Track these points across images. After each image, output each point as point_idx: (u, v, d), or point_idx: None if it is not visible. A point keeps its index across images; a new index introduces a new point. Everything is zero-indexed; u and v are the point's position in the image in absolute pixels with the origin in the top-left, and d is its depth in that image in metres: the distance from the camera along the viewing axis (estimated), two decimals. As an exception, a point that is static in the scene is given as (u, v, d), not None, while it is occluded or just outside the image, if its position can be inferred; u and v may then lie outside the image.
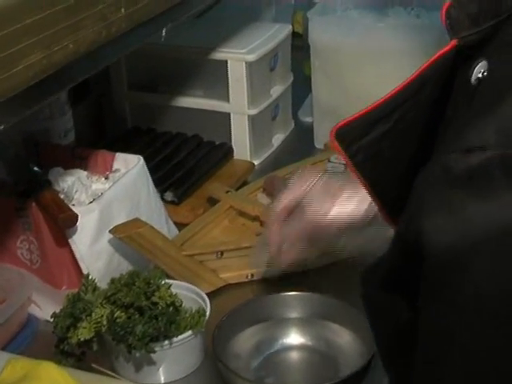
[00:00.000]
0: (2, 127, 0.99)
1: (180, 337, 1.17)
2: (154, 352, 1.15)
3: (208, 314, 1.20)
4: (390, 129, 0.72)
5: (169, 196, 1.57)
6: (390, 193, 0.76)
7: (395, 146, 0.73)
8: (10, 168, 1.43)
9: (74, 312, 1.17)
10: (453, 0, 0.70)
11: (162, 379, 1.20)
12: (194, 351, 1.21)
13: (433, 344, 0.64)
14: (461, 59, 0.69)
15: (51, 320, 1.23)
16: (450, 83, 0.71)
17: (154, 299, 1.16)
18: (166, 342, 1.16)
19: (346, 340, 1.22)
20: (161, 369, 1.19)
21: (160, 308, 1.16)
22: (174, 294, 1.19)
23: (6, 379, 1.07)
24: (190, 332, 1.18)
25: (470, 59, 0.68)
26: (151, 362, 1.17)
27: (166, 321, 1.16)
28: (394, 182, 0.75)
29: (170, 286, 1.20)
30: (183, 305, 1.21)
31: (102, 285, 1.22)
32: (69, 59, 1.02)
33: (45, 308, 1.34)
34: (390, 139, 0.73)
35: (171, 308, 1.18)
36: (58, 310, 1.22)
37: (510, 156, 0.61)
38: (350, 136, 0.72)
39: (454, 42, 0.69)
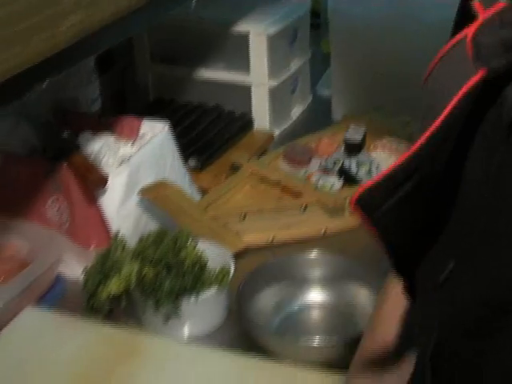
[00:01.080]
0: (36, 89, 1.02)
1: (205, 294, 1.22)
2: (181, 307, 1.20)
3: (232, 272, 1.25)
4: (413, 189, 0.67)
5: (192, 162, 1.61)
6: (402, 249, 0.72)
7: (416, 205, 0.69)
8: (41, 135, 1.48)
9: (103, 268, 1.22)
10: (479, 26, 0.64)
11: (187, 335, 1.25)
12: (218, 308, 1.26)
13: None
14: (487, 91, 0.62)
15: (80, 278, 1.29)
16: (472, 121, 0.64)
17: (181, 257, 1.21)
18: (192, 298, 1.21)
19: (364, 299, 1.26)
20: (186, 324, 1.24)
21: (187, 265, 1.21)
22: (200, 252, 1.24)
23: None
24: (214, 289, 1.22)
25: (499, 89, 0.62)
26: (177, 318, 1.22)
27: (193, 278, 1.21)
28: (407, 240, 0.71)
29: (196, 245, 1.25)
30: (208, 264, 1.25)
31: (130, 245, 1.27)
32: (104, 23, 1.06)
33: (74, 267, 1.39)
34: (411, 200, 0.68)
35: (197, 266, 1.22)
36: (87, 269, 1.27)
37: None
38: (373, 202, 0.68)
39: (482, 72, 0.61)
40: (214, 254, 1.29)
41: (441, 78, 0.69)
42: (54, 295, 1.37)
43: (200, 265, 1.23)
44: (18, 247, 1.41)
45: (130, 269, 1.20)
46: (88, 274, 1.24)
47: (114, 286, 1.20)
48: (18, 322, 1.26)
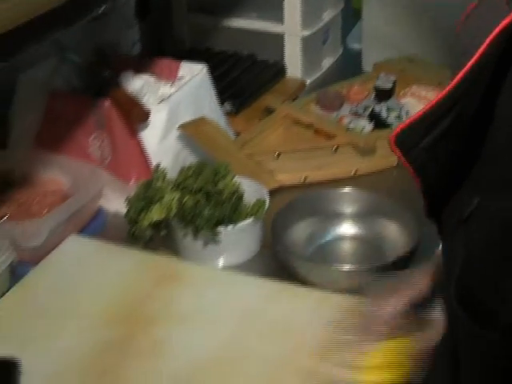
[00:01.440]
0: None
1: (242, 223, 1.27)
2: (219, 234, 1.26)
3: (267, 205, 1.31)
4: (449, 126, 0.70)
5: (227, 106, 1.67)
6: (438, 190, 0.75)
7: (451, 143, 0.72)
8: (83, 75, 1.54)
9: (146, 197, 1.28)
10: None
11: (223, 263, 1.30)
12: (253, 238, 1.31)
13: None
14: None
15: (121, 211, 1.35)
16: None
17: (220, 187, 1.27)
18: (230, 226, 1.26)
19: (393, 232, 1.31)
20: (222, 253, 1.29)
21: (225, 195, 1.27)
22: (237, 184, 1.29)
23: None
24: (251, 219, 1.28)
25: None
26: (214, 246, 1.27)
27: (230, 207, 1.26)
28: (441, 178, 0.74)
29: (234, 177, 1.30)
30: (244, 197, 1.31)
31: (170, 178, 1.33)
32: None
33: (114, 201, 1.45)
34: (447, 138, 0.70)
35: (235, 196, 1.28)
36: (128, 202, 1.33)
37: None
38: (410, 141, 0.70)
39: None
40: (249, 189, 1.34)
41: (475, 24, 0.72)
42: (96, 227, 1.43)
43: (237, 196, 1.29)
44: (61, 182, 1.47)
45: (171, 197, 1.26)
46: (131, 202, 1.30)
47: (155, 214, 1.26)
48: (62, 248, 1.33)
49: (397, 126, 0.72)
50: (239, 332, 1.14)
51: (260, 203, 1.30)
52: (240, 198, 1.29)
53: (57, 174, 1.48)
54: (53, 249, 1.32)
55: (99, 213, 1.46)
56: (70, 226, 1.37)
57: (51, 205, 1.41)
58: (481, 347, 0.69)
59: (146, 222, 1.28)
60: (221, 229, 1.26)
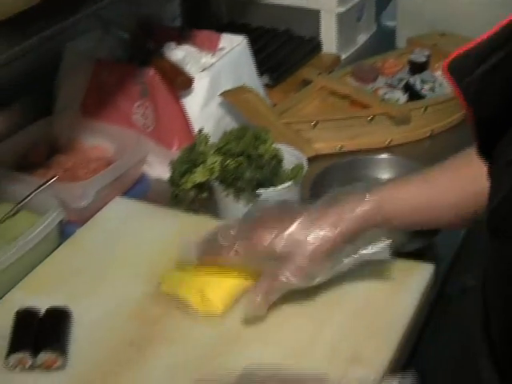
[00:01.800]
0: None
1: (281, 186, 1.32)
2: (260, 195, 1.30)
3: (305, 170, 1.35)
4: (503, 59, 0.68)
5: (265, 79, 1.71)
6: (490, 124, 0.74)
7: (505, 76, 0.70)
8: (127, 46, 1.59)
9: (189, 160, 1.33)
10: None
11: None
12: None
13: None
14: None
15: (163, 177, 1.40)
16: None
17: (261, 150, 1.31)
18: (270, 189, 1.31)
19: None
20: (263, 215, 1.34)
21: (265, 159, 1.31)
22: (277, 148, 1.34)
23: None
24: (290, 182, 1.33)
25: None
26: (255, 208, 1.32)
27: (271, 170, 1.31)
28: (492, 112, 0.73)
29: (273, 142, 1.35)
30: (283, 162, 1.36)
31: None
32: None
33: (157, 168, 1.50)
34: (501, 70, 0.69)
35: (275, 160, 1.33)
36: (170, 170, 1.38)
37: None
38: (463, 69, 0.70)
39: None
40: (288, 155, 1.39)
41: None
42: (139, 191, 1.48)
43: (277, 160, 1.33)
44: (105, 149, 1.53)
45: (214, 160, 1.31)
46: (174, 165, 1.35)
47: (198, 176, 1.31)
48: (108, 209, 1.38)
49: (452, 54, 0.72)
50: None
51: (298, 167, 1.34)
52: (279, 162, 1.34)
53: (101, 141, 1.53)
54: (99, 210, 1.38)
55: (142, 178, 1.51)
56: (115, 189, 1.42)
57: (95, 171, 1.45)
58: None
59: (188, 184, 1.33)
60: (261, 191, 1.31)
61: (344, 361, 1.05)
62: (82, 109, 1.56)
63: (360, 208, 1.08)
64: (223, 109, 1.48)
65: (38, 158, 1.49)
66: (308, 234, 1.08)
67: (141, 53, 1.54)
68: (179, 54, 1.52)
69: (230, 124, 1.48)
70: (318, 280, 1.10)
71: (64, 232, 1.34)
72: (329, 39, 1.89)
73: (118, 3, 1.58)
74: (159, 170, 1.49)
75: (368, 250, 1.09)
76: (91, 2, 1.41)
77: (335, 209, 1.10)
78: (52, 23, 1.36)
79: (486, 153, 0.77)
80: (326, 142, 1.52)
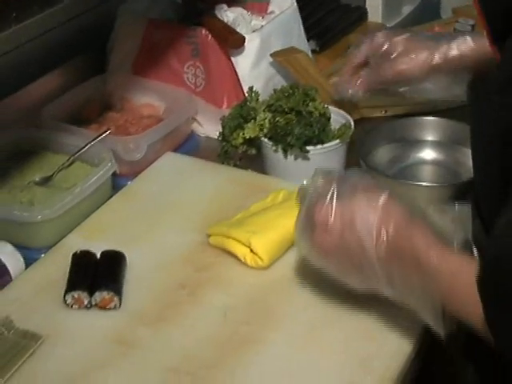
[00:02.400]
0: None
1: (330, 143, 1.35)
2: (308, 152, 1.34)
3: (352, 129, 1.38)
4: None
5: (312, 45, 1.75)
6: (499, 17, 0.81)
7: None
8: (179, 8, 1.63)
9: (240, 115, 1.36)
10: None
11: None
12: (339, 159, 1.39)
13: None
14: None
15: (213, 135, 1.44)
16: None
17: (310, 108, 1.35)
18: (318, 146, 1.34)
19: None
20: (309, 171, 1.37)
21: (314, 116, 1.35)
22: (326, 107, 1.37)
23: (271, 201, 1.28)
24: (338, 140, 1.36)
25: None
26: (303, 164, 1.35)
27: (319, 128, 1.34)
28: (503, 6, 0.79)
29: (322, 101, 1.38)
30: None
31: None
32: None
33: (207, 126, 1.54)
34: None
35: (323, 118, 1.36)
36: (218, 129, 1.42)
37: None
38: None
39: None
40: (335, 116, 1.42)
41: None
42: (189, 148, 1.52)
43: (325, 118, 1.37)
44: (156, 107, 1.57)
45: (264, 116, 1.34)
46: (225, 121, 1.39)
47: (249, 131, 1.35)
48: (159, 163, 1.43)
49: None
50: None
51: (346, 127, 1.37)
52: (328, 120, 1.37)
53: (152, 100, 1.57)
54: (150, 163, 1.42)
55: (192, 136, 1.55)
56: (166, 145, 1.46)
57: (146, 127, 1.49)
58: None
59: (239, 140, 1.37)
60: (310, 147, 1.34)
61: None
62: (134, 68, 1.60)
63: None
64: (273, 69, 1.52)
65: (91, 115, 1.53)
66: None
67: (192, 14, 1.58)
68: (230, 15, 1.56)
69: (279, 84, 1.50)
70: None
71: (116, 184, 1.38)
72: (374, 8, 1.92)
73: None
74: (209, 128, 1.53)
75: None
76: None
77: None
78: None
79: (498, 42, 0.83)
80: (371, 106, 1.55)
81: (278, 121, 1.34)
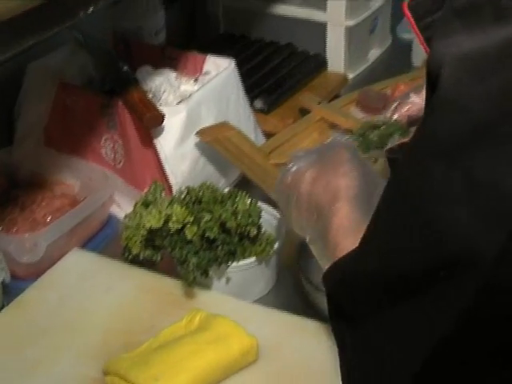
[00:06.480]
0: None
1: (245, 261, 1.14)
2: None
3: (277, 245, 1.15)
4: None
5: (258, 104, 1.52)
6: None
7: None
8: (100, 65, 1.40)
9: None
10: None
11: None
12: (262, 276, 1.17)
13: None
14: None
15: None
16: None
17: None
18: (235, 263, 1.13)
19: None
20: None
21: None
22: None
23: (184, 327, 1.06)
24: (253, 259, 1.13)
25: None
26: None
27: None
28: None
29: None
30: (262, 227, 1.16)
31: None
32: None
33: (126, 208, 1.31)
34: None
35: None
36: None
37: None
38: (423, 9, 0.75)
39: None
40: (269, 217, 1.20)
41: None
42: (106, 235, 1.32)
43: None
44: (70, 185, 1.35)
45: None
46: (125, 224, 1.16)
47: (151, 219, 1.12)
48: (63, 263, 1.21)
49: None
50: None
51: (268, 241, 1.14)
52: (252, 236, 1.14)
53: (66, 176, 1.36)
54: (54, 263, 1.20)
55: (110, 220, 1.33)
56: (76, 236, 1.26)
57: (58, 209, 1.31)
58: None
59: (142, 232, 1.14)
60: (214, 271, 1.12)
61: None
62: (44, 137, 1.37)
63: None
64: (202, 147, 1.28)
65: (-7, 194, 1.31)
66: None
67: (113, 75, 1.35)
68: (156, 79, 1.33)
69: (208, 166, 1.28)
70: None
71: (12, 289, 1.17)
72: (336, 56, 1.69)
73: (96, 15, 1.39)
74: (129, 210, 1.30)
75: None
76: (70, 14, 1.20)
77: None
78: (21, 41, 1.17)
79: None
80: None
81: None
